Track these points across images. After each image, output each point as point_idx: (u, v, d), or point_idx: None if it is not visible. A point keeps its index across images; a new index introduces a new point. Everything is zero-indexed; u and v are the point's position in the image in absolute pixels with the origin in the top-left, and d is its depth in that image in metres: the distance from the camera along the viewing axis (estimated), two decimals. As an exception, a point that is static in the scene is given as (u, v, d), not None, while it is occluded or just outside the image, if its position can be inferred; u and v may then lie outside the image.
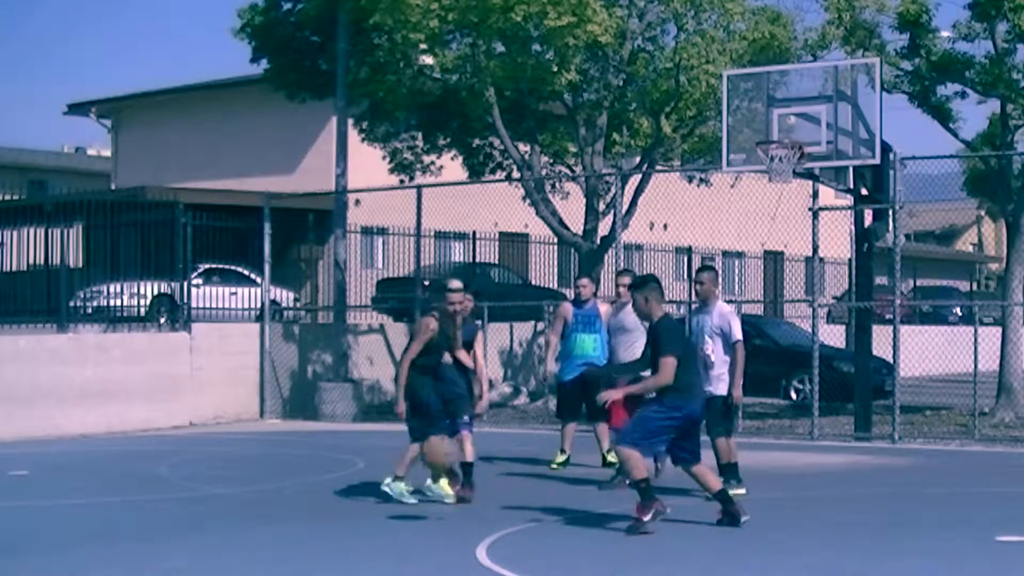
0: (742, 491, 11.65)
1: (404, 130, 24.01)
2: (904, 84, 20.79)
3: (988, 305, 28.02)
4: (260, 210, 21.85)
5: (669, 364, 9.93)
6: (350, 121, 23.16)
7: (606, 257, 21.96)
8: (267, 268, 21.88)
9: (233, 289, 23.84)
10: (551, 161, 24.47)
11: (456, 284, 11.75)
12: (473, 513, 11.17)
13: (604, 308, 14.02)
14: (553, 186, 23.72)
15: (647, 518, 9.91)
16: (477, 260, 28.18)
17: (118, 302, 21.51)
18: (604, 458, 13.60)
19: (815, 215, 17.77)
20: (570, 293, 22.62)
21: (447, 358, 11.81)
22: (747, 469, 14.06)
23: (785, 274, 33.61)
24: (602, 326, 13.83)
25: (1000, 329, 20.44)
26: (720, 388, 11.87)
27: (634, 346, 12.36)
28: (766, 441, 17.38)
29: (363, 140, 23.96)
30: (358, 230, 25.87)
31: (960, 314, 34.42)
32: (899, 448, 16.42)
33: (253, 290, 23.36)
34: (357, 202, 25.74)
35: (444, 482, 11.24)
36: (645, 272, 30.54)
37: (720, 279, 12.31)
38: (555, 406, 14.88)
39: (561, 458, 14.11)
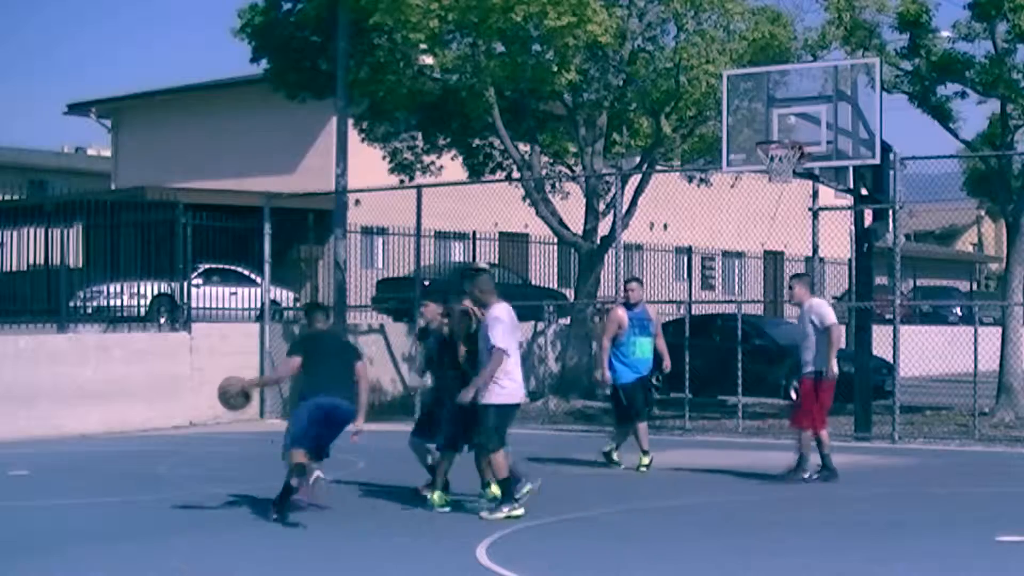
0: (520, 512, 10.84)
1: (404, 130, 23.99)
2: (904, 84, 20.78)
3: (988, 305, 28.01)
4: (260, 210, 21.84)
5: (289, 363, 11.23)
6: (350, 121, 23.15)
7: (606, 257, 21.97)
8: (267, 268, 21.87)
9: (233, 289, 23.83)
10: (551, 161, 24.47)
11: (482, 265, 11.69)
12: (473, 513, 11.17)
13: (652, 309, 14.42)
14: (553, 186, 23.72)
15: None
16: (477, 260, 28.15)
17: (118, 302, 21.51)
18: (641, 459, 13.94)
19: (815, 215, 17.77)
20: (570, 294, 22.69)
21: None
22: (748, 469, 14.11)
23: (785, 274, 33.58)
24: (653, 328, 14.13)
25: (1000, 329, 20.43)
26: (489, 396, 10.91)
27: (815, 346, 13.16)
28: (766, 441, 17.39)
29: (363, 140, 23.95)
30: (358, 230, 25.85)
31: (960, 314, 34.39)
32: (899, 448, 16.42)
33: (253, 290, 23.35)
34: (357, 202, 25.73)
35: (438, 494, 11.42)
36: (644, 273, 30.56)
37: (494, 282, 11.50)
38: (616, 411, 14.59)
39: (647, 459, 14.09)
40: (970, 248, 63.56)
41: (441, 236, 26.67)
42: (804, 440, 13.08)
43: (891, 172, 17.02)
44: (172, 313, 21.65)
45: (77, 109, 37.75)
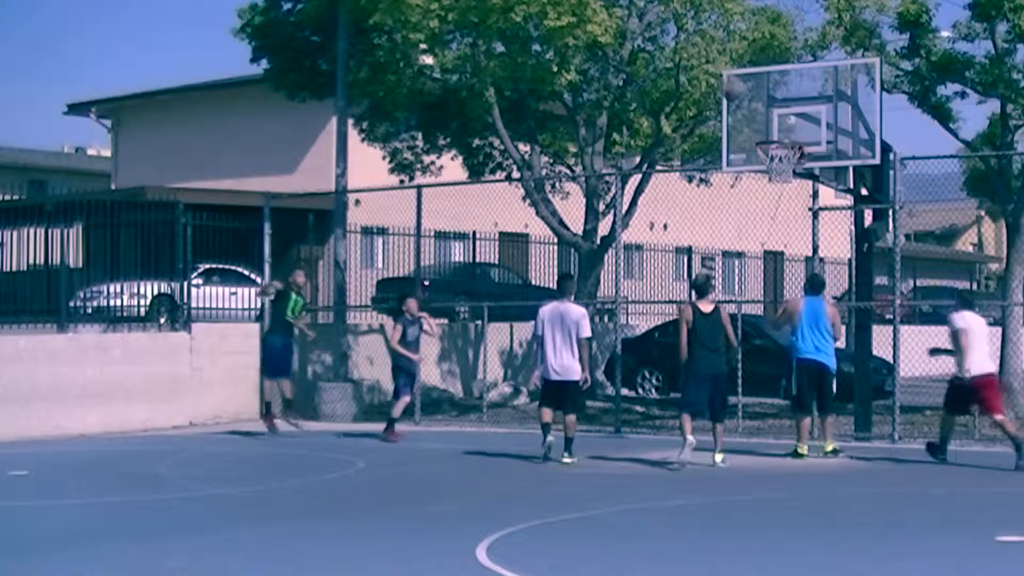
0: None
1: (404, 130, 23.99)
2: (904, 84, 20.77)
3: (988, 305, 27.97)
4: (260, 210, 21.83)
5: None
6: (350, 121, 23.14)
7: (606, 257, 21.96)
8: (267, 268, 21.86)
9: (233, 289, 23.82)
10: (551, 161, 24.46)
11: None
12: (473, 513, 11.17)
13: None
14: (553, 186, 23.71)
15: None
16: (477, 260, 28.16)
17: (118, 302, 21.50)
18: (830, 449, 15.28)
19: (815, 215, 17.77)
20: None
21: None
22: (748, 469, 14.10)
23: (785, 274, 33.60)
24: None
25: (1000, 329, 20.41)
26: None
27: None
28: (766, 441, 17.38)
29: (363, 140, 23.95)
30: (358, 230, 25.85)
31: (960, 314, 34.26)
32: (899, 448, 16.41)
33: (253, 290, 23.36)
34: (357, 202, 25.72)
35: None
36: (644, 273, 30.49)
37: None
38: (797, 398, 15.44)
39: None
40: (970, 248, 63.59)
41: (441, 236, 26.69)
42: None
43: (891, 172, 17.01)
44: (172, 313, 21.64)
45: (77, 109, 37.77)
